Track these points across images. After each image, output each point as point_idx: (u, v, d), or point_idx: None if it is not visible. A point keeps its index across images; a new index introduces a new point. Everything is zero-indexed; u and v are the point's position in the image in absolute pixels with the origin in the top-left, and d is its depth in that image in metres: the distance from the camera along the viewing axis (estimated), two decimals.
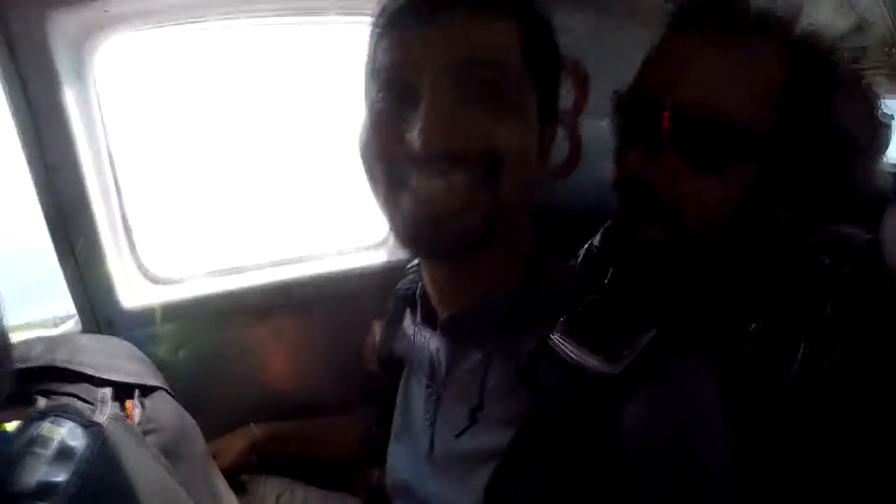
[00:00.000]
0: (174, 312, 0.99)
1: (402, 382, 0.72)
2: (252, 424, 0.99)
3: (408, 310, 0.71)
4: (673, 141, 0.60)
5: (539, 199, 0.59)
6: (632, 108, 0.64)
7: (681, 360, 0.50)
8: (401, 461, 0.68)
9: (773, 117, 0.58)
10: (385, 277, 1.02)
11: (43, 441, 0.52)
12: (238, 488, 0.91)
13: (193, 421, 0.71)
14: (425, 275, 0.62)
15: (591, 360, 0.49)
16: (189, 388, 0.91)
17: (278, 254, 1.07)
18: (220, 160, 1.06)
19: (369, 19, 0.54)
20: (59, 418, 0.55)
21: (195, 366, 1.02)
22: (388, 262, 1.08)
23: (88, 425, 0.55)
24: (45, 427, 0.53)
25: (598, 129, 0.95)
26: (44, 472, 0.49)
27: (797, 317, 0.59)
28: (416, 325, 0.67)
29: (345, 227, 1.13)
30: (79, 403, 0.57)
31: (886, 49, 0.81)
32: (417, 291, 0.66)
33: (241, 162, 1.07)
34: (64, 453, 0.52)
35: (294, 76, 1.01)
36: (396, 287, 0.78)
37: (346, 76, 0.95)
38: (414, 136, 0.47)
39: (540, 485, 0.49)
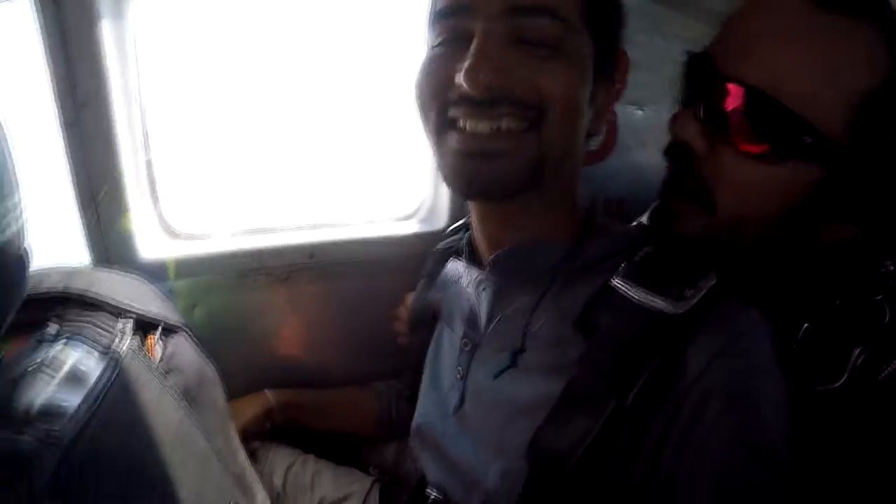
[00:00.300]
0: (192, 269, 0.96)
1: (432, 340, 0.71)
2: (266, 390, 0.94)
3: (451, 258, 0.72)
4: (730, 114, 0.54)
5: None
6: (698, 70, 0.60)
7: (742, 309, 0.50)
8: (427, 419, 0.67)
9: (854, 118, 0.52)
10: (411, 248, 1.00)
11: (54, 362, 0.47)
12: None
13: (214, 370, 0.66)
14: (474, 219, 0.62)
15: (656, 301, 0.50)
16: (203, 347, 0.87)
17: (305, 217, 1.03)
18: (256, 115, 1.01)
19: None
20: (73, 341, 0.50)
21: (210, 325, 0.97)
22: (416, 233, 1.05)
23: (105, 352, 0.51)
24: (58, 348, 0.48)
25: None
26: (51, 393, 0.44)
27: (853, 321, 0.56)
28: (463, 266, 0.67)
29: (376, 196, 1.09)
30: (96, 329, 0.52)
31: None
32: (465, 239, 0.67)
33: (279, 119, 1.03)
34: (76, 377, 0.47)
35: (344, 31, 0.97)
36: (436, 247, 0.77)
37: (394, 32, 0.93)
38: (461, 76, 0.48)
39: (593, 435, 0.48)
